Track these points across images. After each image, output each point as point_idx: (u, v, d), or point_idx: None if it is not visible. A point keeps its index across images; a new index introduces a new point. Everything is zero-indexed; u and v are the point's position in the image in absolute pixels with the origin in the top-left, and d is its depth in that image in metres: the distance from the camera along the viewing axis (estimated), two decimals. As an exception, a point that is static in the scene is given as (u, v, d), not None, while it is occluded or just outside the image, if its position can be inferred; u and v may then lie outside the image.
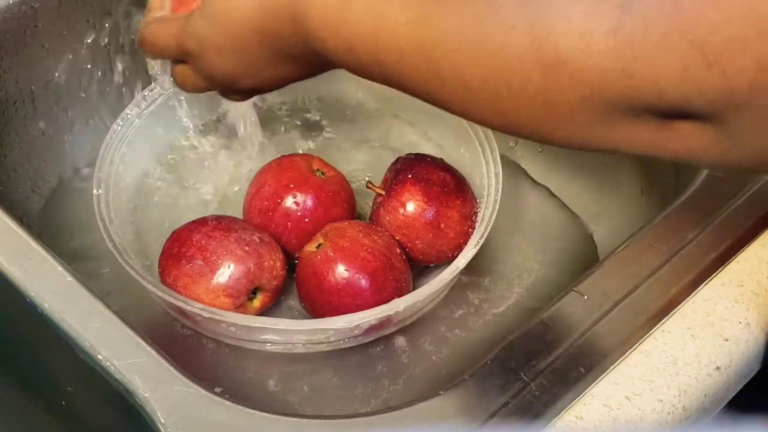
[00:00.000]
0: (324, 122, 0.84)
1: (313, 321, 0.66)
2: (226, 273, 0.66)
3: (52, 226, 0.77)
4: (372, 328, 0.66)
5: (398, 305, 0.64)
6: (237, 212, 0.74)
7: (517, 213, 0.79)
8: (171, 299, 0.63)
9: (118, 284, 0.70)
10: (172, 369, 0.53)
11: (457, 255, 0.67)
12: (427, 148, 0.78)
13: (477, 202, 0.71)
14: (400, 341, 0.69)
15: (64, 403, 0.62)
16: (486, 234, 0.67)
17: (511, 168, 0.81)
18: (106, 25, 0.79)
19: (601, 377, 0.55)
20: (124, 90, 0.80)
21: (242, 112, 0.74)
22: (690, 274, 0.60)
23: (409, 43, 0.46)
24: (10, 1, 0.74)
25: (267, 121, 0.82)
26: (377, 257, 0.67)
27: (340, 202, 0.72)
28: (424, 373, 0.68)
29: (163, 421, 0.51)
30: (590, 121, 0.42)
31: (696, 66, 0.37)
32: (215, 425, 0.51)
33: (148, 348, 0.54)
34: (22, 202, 0.77)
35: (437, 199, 0.69)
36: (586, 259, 0.76)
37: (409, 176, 0.70)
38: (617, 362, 0.55)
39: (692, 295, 0.59)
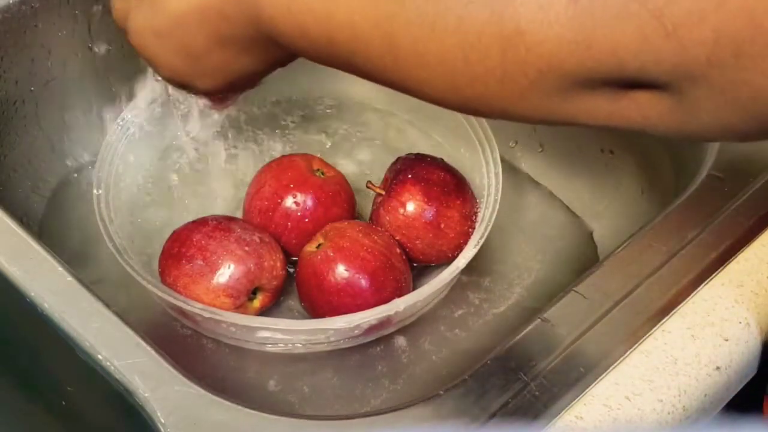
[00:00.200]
0: (324, 122, 0.84)
1: (313, 321, 0.66)
2: (226, 273, 0.66)
3: (52, 226, 0.77)
4: (372, 328, 0.66)
5: (398, 305, 0.64)
6: (237, 212, 0.74)
7: (517, 213, 0.79)
8: (171, 299, 0.63)
9: (118, 284, 0.70)
10: (172, 369, 0.53)
11: (457, 255, 0.67)
12: (427, 148, 0.78)
13: (477, 202, 0.71)
14: (400, 341, 0.69)
15: (64, 403, 0.62)
16: (486, 234, 0.67)
17: (511, 168, 0.81)
18: (106, 25, 0.79)
19: (601, 377, 0.55)
20: (124, 90, 0.80)
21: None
22: (690, 274, 0.60)
23: (364, 18, 0.45)
24: (10, 1, 0.74)
25: (267, 120, 0.83)
26: (377, 257, 0.67)
27: (340, 202, 0.72)
28: (424, 373, 0.68)
29: (163, 421, 0.51)
30: (548, 95, 0.42)
31: (654, 36, 0.37)
32: (215, 425, 0.51)
33: (148, 348, 0.54)
34: (22, 202, 0.77)
35: (437, 199, 0.69)
36: (586, 259, 0.76)
37: (409, 176, 0.70)
38: (617, 362, 0.55)
39: (692, 295, 0.59)
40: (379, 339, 0.69)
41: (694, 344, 0.57)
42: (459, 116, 0.74)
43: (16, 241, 0.59)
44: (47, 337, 0.56)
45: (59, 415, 0.63)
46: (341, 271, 0.66)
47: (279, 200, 0.71)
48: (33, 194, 0.78)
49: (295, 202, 0.71)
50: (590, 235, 0.78)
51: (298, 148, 0.81)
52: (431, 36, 0.43)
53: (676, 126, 0.41)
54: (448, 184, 0.70)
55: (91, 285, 0.57)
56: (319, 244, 0.68)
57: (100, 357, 0.53)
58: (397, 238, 0.70)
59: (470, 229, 0.70)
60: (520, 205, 0.80)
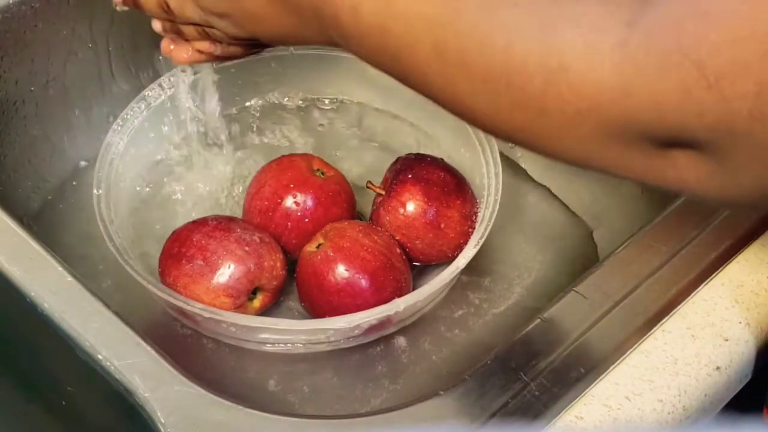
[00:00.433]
0: (324, 122, 0.84)
1: (313, 321, 0.66)
2: (226, 273, 0.66)
3: (52, 226, 0.77)
4: (372, 328, 0.66)
5: (398, 305, 0.64)
6: (237, 212, 0.74)
7: (517, 213, 0.79)
8: (171, 299, 0.63)
9: (118, 284, 0.70)
10: (172, 369, 0.53)
11: (457, 255, 0.67)
12: (427, 148, 0.78)
13: (477, 202, 0.71)
14: (400, 341, 0.69)
15: (64, 403, 0.62)
16: (486, 234, 0.67)
17: (511, 168, 0.81)
18: (107, 25, 0.79)
19: (601, 377, 0.55)
20: (124, 90, 0.80)
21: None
22: (690, 274, 0.60)
23: (421, 16, 0.45)
24: (10, 1, 0.74)
25: (267, 119, 0.83)
26: (377, 257, 0.67)
27: (340, 202, 0.72)
28: (424, 373, 0.68)
29: (163, 421, 0.51)
30: (584, 138, 0.41)
31: (696, 87, 0.36)
32: (215, 425, 0.51)
33: (148, 348, 0.54)
34: (22, 202, 0.77)
35: (437, 199, 0.69)
36: (586, 259, 0.75)
37: (409, 176, 0.70)
38: (617, 362, 0.55)
39: (692, 295, 0.59)
40: (379, 339, 0.69)
41: (694, 344, 0.57)
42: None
43: (16, 241, 0.59)
44: (47, 337, 0.56)
45: (59, 415, 0.63)
46: (341, 271, 0.66)
47: (279, 200, 0.71)
48: (33, 194, 0.78)
49: (295, 202, 0.71)
50: (590, 235, 0.78)
51: (298, 148, 0.81)
52: (480, 51, 0.43)
53: (715, 191, 0.40)
54: (448, 184, 0.70)
55: (91, 285, 0.57)
56: (319, 244, 0.68)
57: (100, 357, 0.53)
58: (397, 238, 0.70)
59: (470, 229, 0.70)
60: (520, 205, 0.80)
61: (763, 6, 0.35)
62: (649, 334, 0.57)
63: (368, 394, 0.67)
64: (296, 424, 0.52)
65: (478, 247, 0.67)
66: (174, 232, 0.69)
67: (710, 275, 0.60)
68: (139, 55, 0.80)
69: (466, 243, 0.68)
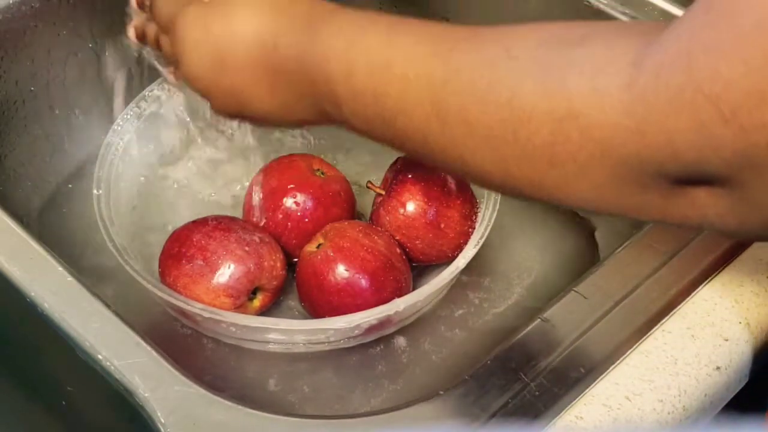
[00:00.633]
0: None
1: (314, 321, 0.66)
2: (226, 273, 0.66)
3: (52, 226, 0.77)
4: (372, 328, 0.66)
5: (398, 305, 0.64)
6: (237, 212, 0.74)
7: (517, 213, 0.79)
8: (171, 299, 0.63)
9: (118, 284, 0.70)
10: (172, 369, 0.53)
11: (457, 255, 0.67)
12: (427, 148, 0.77)
13: (477, 202, 0.71)
14: (400, 341, 0.69)
15: (64, 403, 0.62)
16: (486, 234, 0.67)
17: (511, 168, 0.81)
18: (107, 25, 0.79)
19: (601, 377, 0.55)
20: (124, 90, 0.80)
21: None
22: (690, 274, 0.60)
23: (418, 77, 0.44)
24: (10, 1, 0.74)
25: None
26: (377, 257, 0.67)
27: (340, 202, 0.72)
28: (424, 373, 0.68)
29: (163, 421, 0.51)
30: (598, 183, 0.40)
31: (712, 122, 0.35)
32: (215, 425, 0.51)
33: (148, 348, 0.54)
34: (22, 202, 0.77)
35: (437, 199, 0.69)
36: (586, 259, 0.75)
37: (409, 176, 0.70)
38: (617, 362, 0.55)
39: (692, 295, 0.59)
40: (379, 339, 0.69)
41: (694, 344, 0.57)
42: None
43: (16, 241, 0.59)
44: (47, 337, 0.56)
45: (59, 415, 0.63)
46: (341, 271, 0.66)
47: (279, 200, 0.71)
48: (33, 194, 0.78)
49: (295, 202, 0.71)
50: (590, 235, 0.78)
51: (298, 148, 0.81)
52: (481, 107, 0.42)
53: (736, 225, 0.39)
54: (448, 184, 0.70)
55: (91, 285, 0.57)
56: (319, 244, 0.68)
57: (100, 357, 0.53)
58: (397, 238, 0.70)
59: (470, 229, 0.70)
60: (520, 205, 0.80)
61: None
62: (649, 334, 0.57)
63: (368, 394, 0.67)
64: (296, 424, 0.52)
65: (478, 247, 0.67)
66: (174, 232, 0.69)
67: (710, 275, 0.60)
68: (138, 54, 0.80)
69: (466, 243, 0.68)
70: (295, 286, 0.70)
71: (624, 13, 0.76)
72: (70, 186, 0.79)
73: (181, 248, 0.67)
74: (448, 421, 0.52)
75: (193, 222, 0.69)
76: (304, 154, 0.76)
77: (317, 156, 0.75)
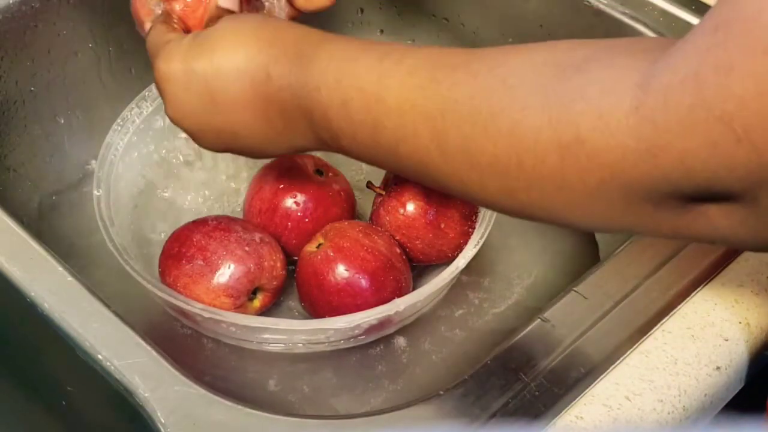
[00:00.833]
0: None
1: (314, 321, 0.66)
2: (226, 273, 0.66)
3: (52, 225, 0.77)
4: (372, 328, 0.66)
5: (398, 305, 0.64)
6: (237, 212, 0.74)
7: (517, 213, 0.79)
8: (171, 299, 0.63)
9: (118, 284, 0.70)
10: (172, 369, 0.53)
11: (457, 255, 0.67)
12: (427, 148, 0.77)
13: (477, 202, 0.71)
14: (400, 341, 0.69)
15: (64, 403, 0.62)
16: (486, 234, 0.67)
17: (511, 168, 0.81)
18: (107, 25, 0.79)
19: (601, 377, 0.55)
20: (124, 90, 0.80)
21: None
22: (690, 274, 0.60)
23: (414, 108, 0.44)
24: (10, 1, 0.74)
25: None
26: (377, 257, 0.67)
27: (340, 202, 0.72)
28: (424, 373, 0.68)
29: (163, 421, 0.51)
30: (609, 205, 0.40)
31: (724, 142, 0.35)
32: (215, 425, 0.51)
33: (148, 348, 0.54)
34: (22, 202, 0.77)
35: (437, 199, 0.69)
36: (586, 259, 0.76)
37: (409, 176, 0.70)
38: (617, 362, 0.55)
39: (692, 295, 0.59)
40: (379, 339, 0.69)
41: (694, 344, 0.57)
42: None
43: (16, 241, 0.59)
44: (47, 337, 0.56)
45: (59, 415, 0.63)
46: (341, 271, 0.66)
47: (279, 200, 0.71)
48: (33, 194, 0.78)
49: (295, 203, 0.71)
50: (591, 234, 0.78)
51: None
52: (483, 136, 0.42)
53: (750, 238, 0.39)
54: (448, 184, 0.70)
55: (91, 285, 0.57)
56: (319, 244, 0.68)
57: (100, 357, 0.53)
58: (397, 238, 0.70)
59: (470, 229, 0.70)
60: (520, 205, 0.80)
61: None
62: (649, 334, 0.57)
63: (368, 394, 0.67)
64: (296, 424, 0.52)
65: (478, 247, 0.67)
66: (174, 232, 0.69)
67: (710, 275, 0.60)
68: (139, 55, 0.80)
69: (466, 243, 0.68)
70: (295, 286, 0.70)
71: (624, 13, 0.76)
72: (70, 186, 0.79)
73: (181, 248, 0.67)
74: (448, 421, 0.52)
75: (193, 222, 0.69)
76: (304, 154, 0.75)
77: (317, 156, 0.75)
